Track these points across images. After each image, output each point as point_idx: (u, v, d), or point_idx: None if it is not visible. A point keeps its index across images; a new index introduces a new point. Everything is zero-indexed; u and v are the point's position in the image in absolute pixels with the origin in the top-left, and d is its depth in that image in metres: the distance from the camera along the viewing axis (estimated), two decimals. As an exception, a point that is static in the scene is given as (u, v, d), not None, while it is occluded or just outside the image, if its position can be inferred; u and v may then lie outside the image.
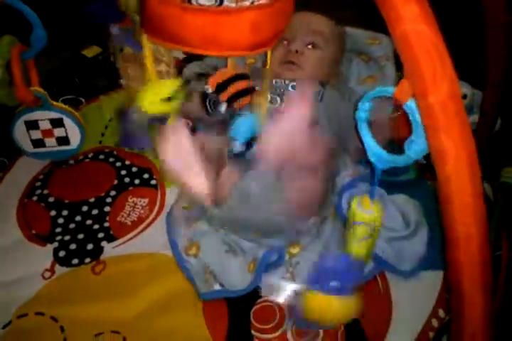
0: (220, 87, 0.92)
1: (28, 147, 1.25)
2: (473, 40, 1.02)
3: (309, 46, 1.13)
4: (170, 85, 0.94)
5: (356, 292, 0.80)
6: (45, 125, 1.22)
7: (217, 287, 1.00)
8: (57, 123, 1.22)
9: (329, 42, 1.16)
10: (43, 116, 1.21)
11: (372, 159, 0.70)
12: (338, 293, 0.77)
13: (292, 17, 1.14)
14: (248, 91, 0.94)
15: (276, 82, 1.12)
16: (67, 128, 1.23)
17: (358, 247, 0.81)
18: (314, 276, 0.79)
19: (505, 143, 1.25)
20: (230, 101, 0.94)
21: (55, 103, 1.21)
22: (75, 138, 1.25)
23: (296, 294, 0.95)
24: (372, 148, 0.69)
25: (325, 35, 1.15)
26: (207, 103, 0.92)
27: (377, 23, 0.55)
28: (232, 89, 0.92)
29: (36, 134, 1.23)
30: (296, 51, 1.11)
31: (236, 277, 1.00)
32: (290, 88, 1.11)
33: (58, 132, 1.23)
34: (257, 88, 0.95)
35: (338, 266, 0.77)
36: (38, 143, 1.25)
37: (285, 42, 1.14)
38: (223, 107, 0.94)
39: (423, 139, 0.58)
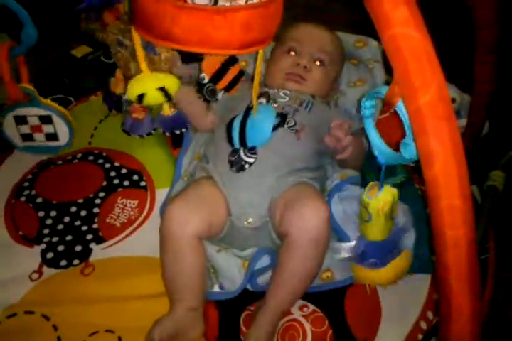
0: (216, 77, 0.94)
1: (17, 141, 1.27)
2: (462, 42, 1.03)
3: (317, 62, 1.16)
4: (163, 77, 0.98)
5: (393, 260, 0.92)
6: (33, 121, 1.23)
7: (216, 288, 1.00)
8: (46, 119, 1.23)
9: (335, 61, 1.19)
10: (32, 113, 1.22)
11: (376, 154, 0.71)
12: (377, 265, 0.92)
13: (301, 27, 1.19)
14: (241, 75, 0.94)
15: (269, 88, 1.13)
16: (55, 125, 1.24)
17: (364, 229, 0.89)
18: (356, 258, 0.94)
19: (493, 146, 1.26)
20: (227, 88, 0.98)
21: (44, 100, 1.22)
22: (63, 135, 1.26)
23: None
24: (377, 143, 0.70)
25: (332, 55, 1.18)
26: (204, 92, 0.93)
27: (367, 26, 0.55)
28: (227, 77, 0.96)
29: (25, 129, 1.25)
30: (305, 67, 1.13)
31: (234, 273, 0.99)
32: (282, 94, 1.12)
33: (47, 128, 1.25)
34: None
35: (365, 248, 0.91)
36: (27, 137, 1.26)
37: (292, 53, 1.16)
38: (220, 95, 0.95)
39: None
